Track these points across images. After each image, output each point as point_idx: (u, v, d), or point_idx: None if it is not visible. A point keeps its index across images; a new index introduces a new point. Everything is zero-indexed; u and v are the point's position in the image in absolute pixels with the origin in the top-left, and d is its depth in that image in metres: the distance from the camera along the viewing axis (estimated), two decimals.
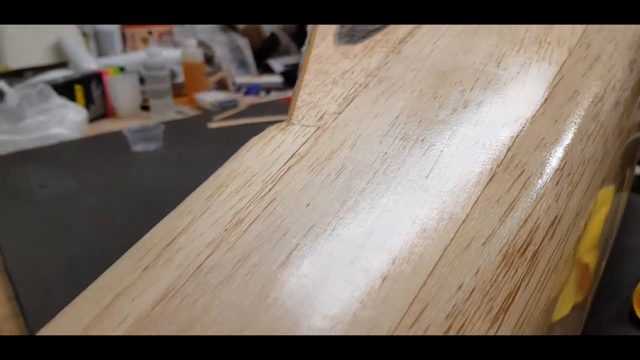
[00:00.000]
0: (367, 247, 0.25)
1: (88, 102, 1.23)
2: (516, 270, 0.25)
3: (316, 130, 0.34)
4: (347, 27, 0.48)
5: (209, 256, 0.25)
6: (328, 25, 0.48)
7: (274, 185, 0.29)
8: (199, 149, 1.02)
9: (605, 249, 0.44)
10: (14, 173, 0.94)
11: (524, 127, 0.33)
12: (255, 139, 0.35)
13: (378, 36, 0.46)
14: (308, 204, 0.27)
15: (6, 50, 1.33)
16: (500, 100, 0.36)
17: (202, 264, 0.24)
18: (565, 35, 0.44)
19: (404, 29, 0.46)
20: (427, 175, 0.29)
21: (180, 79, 1.35)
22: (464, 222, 0.26)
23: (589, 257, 0.39)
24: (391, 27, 0.47)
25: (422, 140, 0.32)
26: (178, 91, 1.32)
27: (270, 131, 0.35)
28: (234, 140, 0.42)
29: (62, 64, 1.35)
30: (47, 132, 1.09)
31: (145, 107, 1.26)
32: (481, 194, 0.28)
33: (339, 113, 0.35)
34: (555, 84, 0.38)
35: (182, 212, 0.28)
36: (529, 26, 0.44)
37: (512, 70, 0.39)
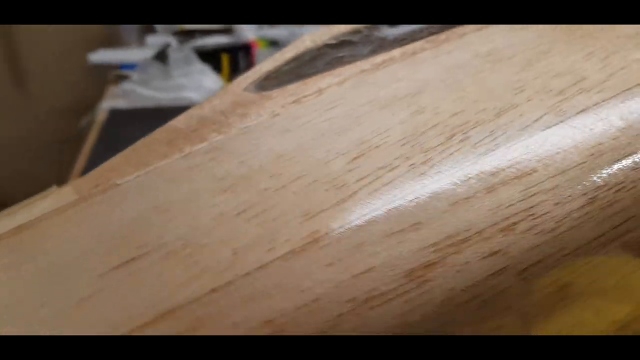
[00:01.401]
0: None
1: (233, 72, 1.26)
2: None
3: (69, 205, 0.27)
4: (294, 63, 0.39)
5: None
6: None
7: None
8: None
9: None
10: (126, 129, 1.02)
11: None
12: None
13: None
14: None
15: None
16: None
17: None
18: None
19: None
20: None
21: None
22: None
23: None
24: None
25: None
26: None
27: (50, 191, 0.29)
28: None
29: (227, 30, 1.41)
30: (182, 94, 1.15)
31: None
32: None
33: (117, 185, 0.28)
34: None
35: None
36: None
37: None
